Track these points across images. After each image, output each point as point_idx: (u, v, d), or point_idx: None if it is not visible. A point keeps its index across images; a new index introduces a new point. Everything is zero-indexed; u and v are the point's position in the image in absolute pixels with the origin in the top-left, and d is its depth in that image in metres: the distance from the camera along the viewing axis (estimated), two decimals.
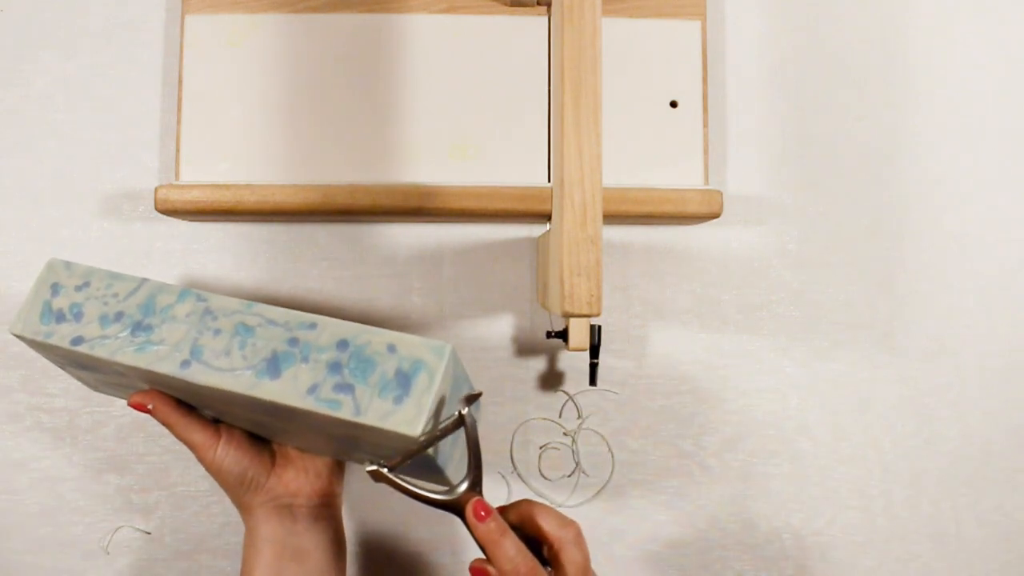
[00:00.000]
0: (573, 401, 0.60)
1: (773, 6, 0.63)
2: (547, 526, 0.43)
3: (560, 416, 0.60)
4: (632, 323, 0.61)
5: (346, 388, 0.38)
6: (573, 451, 0.60)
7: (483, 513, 0.41)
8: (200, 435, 0.46)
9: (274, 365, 0.39)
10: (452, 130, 0.58)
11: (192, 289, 0.42)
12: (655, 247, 0.62)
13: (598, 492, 0.60)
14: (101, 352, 0.42)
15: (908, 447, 0.62)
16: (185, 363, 0.40)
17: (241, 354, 0.40)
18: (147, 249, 0.60)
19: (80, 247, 0.59)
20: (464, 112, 0.58)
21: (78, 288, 0.44)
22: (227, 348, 0.40)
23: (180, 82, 0.57)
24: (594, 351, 0.54)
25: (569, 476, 0.57)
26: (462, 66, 0.59)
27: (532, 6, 0.58)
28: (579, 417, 0.60)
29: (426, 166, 0.58)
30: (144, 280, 0.43)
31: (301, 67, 0.58)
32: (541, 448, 0.60)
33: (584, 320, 0.50)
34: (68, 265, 0.45)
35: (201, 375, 0.40)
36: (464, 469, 0.42)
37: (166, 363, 0.41)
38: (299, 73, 0.58)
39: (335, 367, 0.39)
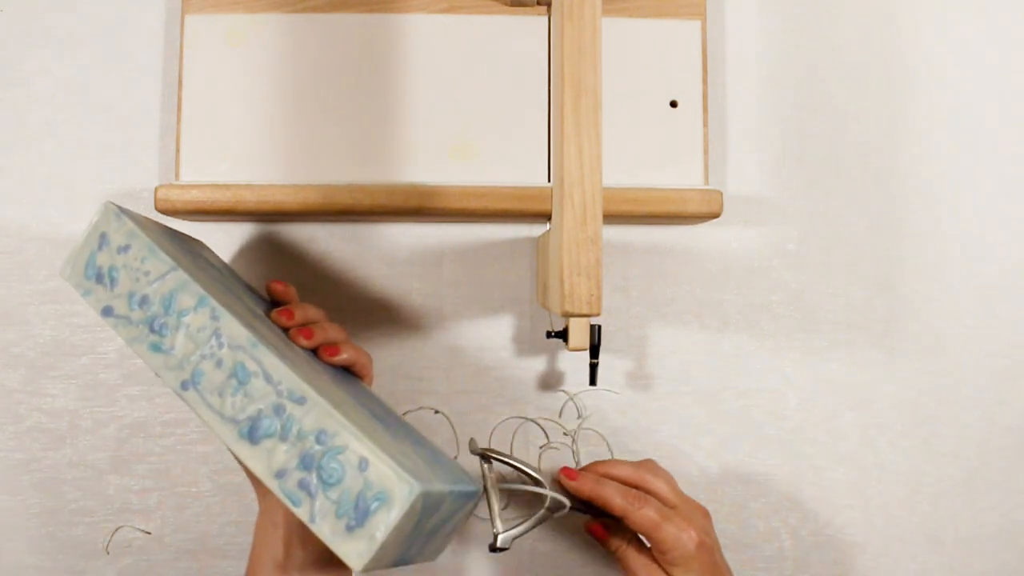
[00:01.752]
0: (573, 401, 0.60)
1: (773, 6, 0.63)
2: (616, 500, 0.49)
3: (560, 416, 0.60)
4: (632, 323, 0.61)
5: (310, 489, 0.38)
6: (573, 451, 0.60)
7: (573, 474, 0.51)
8: None
9: (255, 428, 0.40)
10: (452, 130, 0.58)
11: (210, 300, 0.42)
12: (655, 247, 0.62)
13: None
14: (122, 334, 0.43)
15: (906, 447, 0.62)
16: (185, 383, 0.41)
17: (231, 401, 0.40)
18: None
19: None
20: (464, 112, 0.58)
21: (120, 250, 0.44)
22: (222, 388, 0.41)
23: (180, 82, 0.57)
24: (594, 351, 0.54)
25: None
26: (462, 66, 0.58)
27: (532, 6, 0.58)
28: (579, 417, 0.60)
29: (426, 166, 0.58)
30: (174, 268, 0.43)
31: (301, 67, 0.58)
32: (541, 448, 0.60)
33: (584, 320, 0.50)
34: (119, 216, 0.44)
35: (195, 403, 0.41)
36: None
37: (170, 375, 0.41)
38: (299, 73, 0.58)
39: (307, 461, 0.38)
